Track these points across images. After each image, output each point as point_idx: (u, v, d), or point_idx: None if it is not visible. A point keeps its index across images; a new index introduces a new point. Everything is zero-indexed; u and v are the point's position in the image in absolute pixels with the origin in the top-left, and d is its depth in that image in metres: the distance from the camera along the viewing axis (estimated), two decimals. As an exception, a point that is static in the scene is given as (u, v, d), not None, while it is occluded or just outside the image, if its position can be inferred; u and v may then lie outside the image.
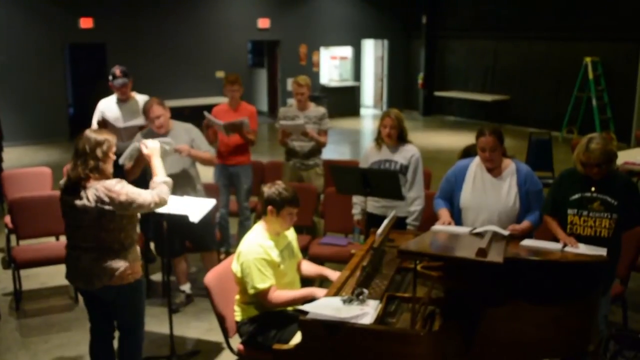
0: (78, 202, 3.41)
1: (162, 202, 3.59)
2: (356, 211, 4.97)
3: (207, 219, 4.98)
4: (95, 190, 3.39)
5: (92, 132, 3.57)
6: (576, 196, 3.80)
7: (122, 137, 5.48)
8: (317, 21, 15.99)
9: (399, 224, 4.64)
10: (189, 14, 14.06)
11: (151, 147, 3.92)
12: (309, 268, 3.91)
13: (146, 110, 4.87)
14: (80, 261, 3.50)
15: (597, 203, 3.75)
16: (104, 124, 5.60)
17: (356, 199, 4.96)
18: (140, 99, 5.91)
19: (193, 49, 14.17)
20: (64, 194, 3.52)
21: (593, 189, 3.77)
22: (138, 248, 3.69)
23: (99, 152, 3.48)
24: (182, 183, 4.84)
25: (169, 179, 3.74)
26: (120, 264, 3.50)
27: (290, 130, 5.93)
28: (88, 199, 3.39)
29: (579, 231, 3.79)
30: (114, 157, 3.59)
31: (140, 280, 3.67)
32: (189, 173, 5.01)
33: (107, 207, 3.38)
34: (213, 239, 5.28)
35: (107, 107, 5.80)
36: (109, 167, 3.55)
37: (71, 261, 3.58)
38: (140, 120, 5.61)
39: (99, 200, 3.38)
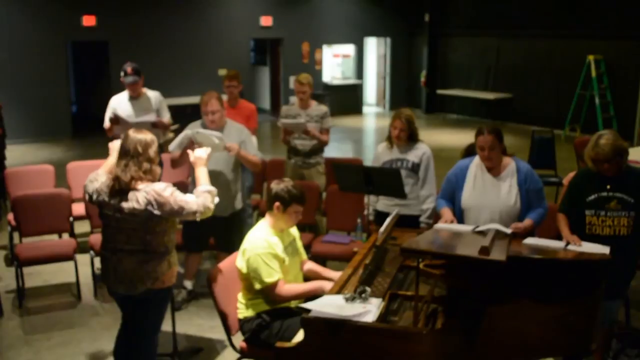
0: (126, 205, 3.33)
1: (207, 212, 3.49)
2: (369, 211, 4.95)
3: (243, 222, 4.97)
4: (146, 194, 3.31)
5: (139, 133, 3.45)
6: (593, 197, 3.77)
7: None
8: (320, 19, 15.98)
9: (412, 222, 4.64)
10: (192, 12, 14.06)
11: (197, 156, 3.79)
12: (312, 269, 3.88)
13: (204, 102, 4.80)
14: (122, 264, 3.41)
15: (614, 202, 3.73)
16: (115, 120, 5.61)
17: (370, 200, 4.94)
18: (152, 95, 5.94)
19: (195, 46, 14.17)
20: (107, 196, 3.41)
21: (608, 187, 3.74)
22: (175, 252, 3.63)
23: (151, 153, 3.42)
24: (221, 182, 4.75)
25: (213, 189, 3.59)
26: (164, 268, 3.45)
27: (291, 129, 5.92)
28: (138, 202, 3.31)
29: (598, 231, 3.76)
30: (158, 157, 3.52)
31: (174, 284, 3.64)
32: (231, 175, 4.90)
33: (155, 212, 3.32)
34: (238, 244, 5.18)
35: (119, 104, 5.83)
36: (158, 169, 3.49)
37: (111, 265, 3.48)
38: (152, 117, 5.62)
39: (149, 203, 3.31)
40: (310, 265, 3.91)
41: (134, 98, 5.83)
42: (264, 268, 3.45)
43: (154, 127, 5.48)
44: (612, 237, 3.71)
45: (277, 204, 3.57)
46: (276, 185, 3.61)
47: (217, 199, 3.60)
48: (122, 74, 5.73)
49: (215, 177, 4.72)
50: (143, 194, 3.32)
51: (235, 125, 5.01)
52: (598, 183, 3.77)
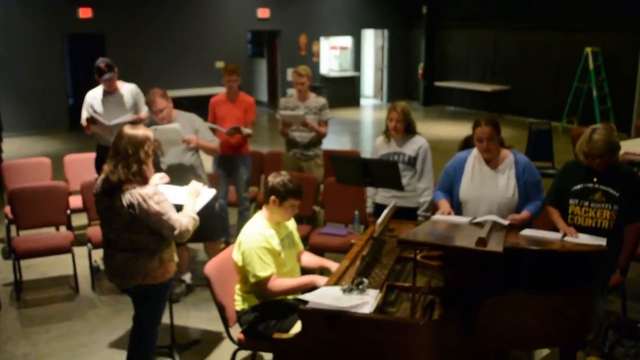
0: (112, 205, 3.34)
1: (185, 234, 3.44)
2: (369, 203, 4.96)
3: (211, 208, 4.98)
4: (130, 196, 3.30)
5: (132, 130, 3.42)
6: (578, 187, 3.80)
7: (113, 135, 5.47)
8: (317, 11, 15.93)
9: (409, 214, 4.65)
10: (189, 4, 14.00)
11: (194, 190, 3.76)
12: (310, 260, 3.90)
13: (149, 103, 4.90)
14: (115, 258, 3.46)
15: (598, 194, 3.75)
16: (92, 120, 5.58)
17: (369, 193, 4.95)
18: (126, 88, 5.93)
19: (192, 39, 14.12)
20: (100, 195, 3.43)
21: (595, 179, 3.76)
22: (174, 248, 3.63)
23: (142, 154, 3.37)
24: (185, 172, 4.87)
25: (197, 217, 3.59)
26: (154, 265, 3.45)
27: (290, 121, 5.91)
28: (122, 204, 3.31)
29: (580, 222, 3.79)
30: (152, 155, 3.49)
31: (172, 279, 3.64)
32: (192, 162, 5.03)
33: (137, 215, 3.31)
34: (216, 230, 5.27)
35: (94, 99, 5.82)
36: (151, 170, 3.46)
37: (107, 259, 3.55)
38: (128, 117, 5.57)
39: (131, 206, 3.30)
40: (308, 257, 3.92)
41: (108, 93, 5.82)
42: (258, 262, 3.46)
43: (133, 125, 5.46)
44: (593, 228, 3.73)
45: (273, 197, 3.56)
46: (273, 179, 3.60)
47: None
48: (96, 72, 5.70)
49: (178, 170, 4.79)
50: (127, 196, 3.32)
51: (186, 115, 5.09)
52: (585, 174, 3.79)
